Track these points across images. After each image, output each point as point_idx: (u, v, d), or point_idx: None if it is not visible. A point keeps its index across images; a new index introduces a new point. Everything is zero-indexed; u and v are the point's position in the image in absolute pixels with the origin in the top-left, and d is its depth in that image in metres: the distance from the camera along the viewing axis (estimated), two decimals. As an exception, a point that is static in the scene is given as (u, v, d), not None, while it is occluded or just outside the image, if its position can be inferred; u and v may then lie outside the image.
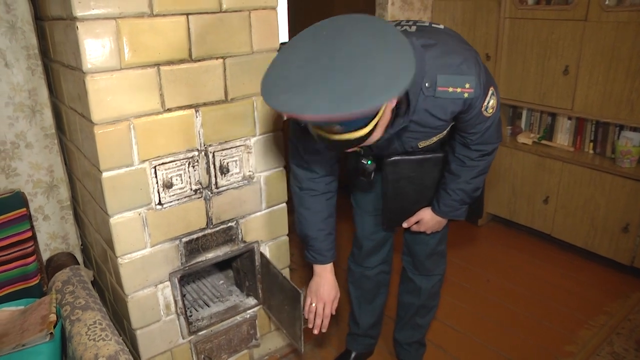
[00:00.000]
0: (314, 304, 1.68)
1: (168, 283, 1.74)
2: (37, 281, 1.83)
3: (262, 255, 1.93)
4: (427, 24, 1.43)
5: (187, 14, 1.53)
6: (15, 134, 1.86)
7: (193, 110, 1.62)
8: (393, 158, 1.63)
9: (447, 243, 1.91)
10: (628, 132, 2.74)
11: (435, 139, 1.54)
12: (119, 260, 1.61)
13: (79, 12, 1.34)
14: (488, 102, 1.40)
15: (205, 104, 1.64)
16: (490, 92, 1.40)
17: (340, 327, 2.40)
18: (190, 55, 1.57)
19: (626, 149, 2.70)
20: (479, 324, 2.44)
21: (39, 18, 1.83)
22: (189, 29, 1.54)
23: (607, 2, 2.58)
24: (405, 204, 1.72)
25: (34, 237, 1.84)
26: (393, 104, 1.18)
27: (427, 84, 1.31)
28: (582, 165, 2.83)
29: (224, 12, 1.60)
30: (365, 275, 2.01)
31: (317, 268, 1.68)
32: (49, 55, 1.84)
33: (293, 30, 4.30)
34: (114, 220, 1.56)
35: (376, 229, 1.89)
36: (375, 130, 1.14)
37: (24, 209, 1.79)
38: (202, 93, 1.62)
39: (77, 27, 1.35)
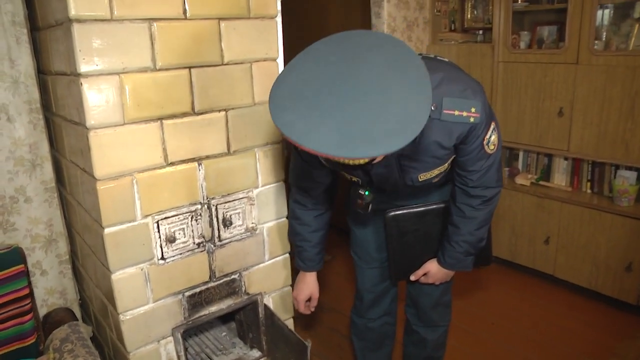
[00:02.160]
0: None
1: (171, 338, 1.70)
2: (34, 340, 1.77)
3: (266, 306, 1.89)
4: (432, 56, 1.45)
5: (190, 67, 1.55)
6: (15, 188, 1.84)
7: (196, 164, 1.61)
8: (393, 213, 1.61)
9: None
10: (624, 171, 2.76)
11: (436, 171, 1.49)
12: (121, 317, 1.57)
13: (83, 69, 1.35)
14: (490, 137, 1.39)
15: (207, 157, 1.63)
16: (492, 126, 1.40)
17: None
18: (192, 108, 1.57)
19: (623, 188, 2.72)
20: (486, 371, 2.39)
21: (42, 72, 1.84)
22: (191, 82, 1.56)
23: (595, 47, 2.65)
24: (411, 258, 1.70)
25: (31, 294, 1.79)
26: None
27: (432, 107, 1.28)
28: (581, 205, 2.84)
29: (226, 64, 1.62)
30: (368, 327, 1.97)
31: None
32: (50, 109, 1.85)
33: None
34: (115, 277, 1.53)
35: (377, 281, 1.86)
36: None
37: (22, 265, 1.76)
38: (205, 146, 1.62)
39: (82, 84, 1.36)
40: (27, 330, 1.76)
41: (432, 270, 1.70)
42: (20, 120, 1.80)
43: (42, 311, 1.98)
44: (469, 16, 3.34)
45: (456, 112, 1.30)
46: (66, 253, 2.01)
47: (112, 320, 1.68)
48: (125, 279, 1.55)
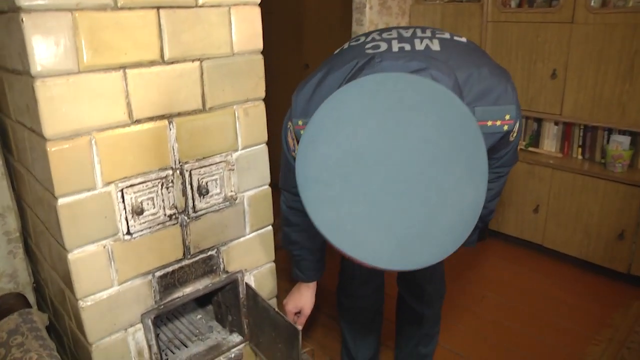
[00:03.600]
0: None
1: (140, 325, 1.48)
2: (-21, 332, 1.53)
3: (247, 286, 1.69)
4: (448, 37, 1.20)
5: (158, 8, 1.30)
6: (-51, 156, 1.57)
7: (166, 122, 1.38)
8: None
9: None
10: (617, 136, 2.65)
11: None
12: (80, 303, 1.34)
13: (24, 1, 1.09)
14: (516, 128, 1.23)
15: (179, 114, 1.40)
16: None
17: (332, 360, 2.17)
18: (162, 56, 1.33)
19: (617, 153, 2.61)
20: (479, 346, 2.26)
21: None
22: (160, 25, 1.31)
23: (592, 4, 2.50)
24: None
25: (-26, 279, 1.54)
26: None
27: None
28: (572, 172, 2.72)
29: (201, 6, 1.38)
30: (360, 307, 1.80)
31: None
32: (-11, 62, 1.57)
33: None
34: (72, 256, 1.29)
35: None
36: None
37: (-39, 245, 1.50)
38: (176, 101, 1.38)
39: (23, 20, 1.10)
40: (-31, 320, 1.51)
41: None
42: (-48, 74, 1.52)
43: (-11, 298, 1.73)
44: (454, -27, 3.14)
45: (489, 123, 1.12)
46: (16, 230, 1.75)
47: (70, 307, 1.45)
48: (85, 259, 1.32)
